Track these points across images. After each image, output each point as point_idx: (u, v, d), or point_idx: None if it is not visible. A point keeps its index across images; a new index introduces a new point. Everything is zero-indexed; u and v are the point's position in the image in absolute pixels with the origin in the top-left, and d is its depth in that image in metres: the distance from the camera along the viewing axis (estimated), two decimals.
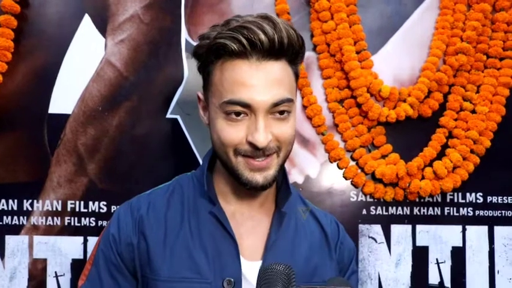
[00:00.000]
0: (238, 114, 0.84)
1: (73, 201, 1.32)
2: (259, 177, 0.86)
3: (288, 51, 0.85)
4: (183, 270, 0.89)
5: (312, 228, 1.00)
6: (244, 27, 0.82)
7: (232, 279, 0.88)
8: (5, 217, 1.31)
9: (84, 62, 1.33)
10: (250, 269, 0.90)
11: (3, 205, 1.31)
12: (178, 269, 0.89)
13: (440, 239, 1.42)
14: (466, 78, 1.43)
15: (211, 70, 0.88)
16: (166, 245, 0.91)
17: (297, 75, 0.91)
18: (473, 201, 1.44)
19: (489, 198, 1.44)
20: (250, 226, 0.95)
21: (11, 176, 1.31)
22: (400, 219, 1.42)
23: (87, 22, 1.34)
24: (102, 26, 1.34)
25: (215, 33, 0.85)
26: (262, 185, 0.87)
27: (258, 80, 0.83)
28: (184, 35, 1.37)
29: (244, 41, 0.81)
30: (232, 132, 0.85)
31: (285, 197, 0.95)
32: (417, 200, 1.42)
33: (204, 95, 0.93)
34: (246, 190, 0.90)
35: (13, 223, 1.31)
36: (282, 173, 0.97)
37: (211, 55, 0.86)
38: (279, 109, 0.84)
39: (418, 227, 1.42)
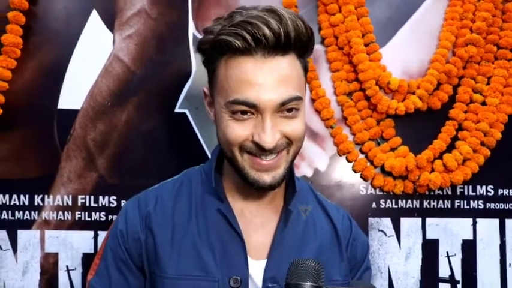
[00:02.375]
0: (244, 113, 0.81)
1: (83, 196, 1.34)
2: (266, 177, 0.84)
3: (295, 44, 0.81)
4: (190, 268, 0.88)
5: (322, 224, 0.98)
6: (248, 22, 0.78)
7: (239, 278, 0.87)
8: (16, 212, 1.32)
9: (93, 57, 1.34)
10: (256, 268, 0.89)
11: (14, 200, 1.32)
12: (185, 267, 0.88)
13: (450, 232, 1.41)
14: (476, 70, 1.41)
15: (216, 66, 0.85)
16: (174, 242, 0.90)
17: (306, 69, 0.88)
18: (484, 194, 1.43)
19: (500, 191, 1.43)
20: (258, 223, 0.94)
21: (22, 171, 1.33)
22: (410, 212, 1.41)
23: (95, 18, 1.34)
24: (110, 21, 1.35)
25: (218, 28, 0.81)
26: (270, 184, 0.84)
27: (264, 78, 0.79)
28: (191, 29, 1.37)
29: (248, 37, 0.78)
30: (238, 130, 0.82)
31: (292, 195, 0.94)
32: (427, 193, 1.41)
33: (210, 91, 0.90)
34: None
35: (25, 218, 1.32)
36: (289, 169, 0.95)
37: (215, 52, 0.83)
38: (287, 107, 0.81)
39: (428, 220, 1.41)
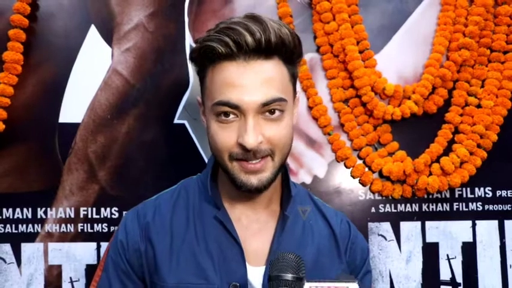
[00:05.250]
0: (227, 115, 0.83)
1: (85, 208, 1.35)
2: (253, 179, 0.85)
3: (278, 49, 0.83)
4: (190, 276, 0.89)
5: (320, 228, 0.99)
6: (229, 28, 0.81)
7: (238, 284, 0.88)
8: (20, 225, 1.34)
9: (92, 71, 1.36)
10: (255, 274, 0.90)
11: (18, 213, 1.34)
12: (185, 275, 0.89)
13: (450, 235, 1.42)
14: (470, 73, 1.43)
15: (205, 74, 0.88)
16: (173, 251, 0.91)
17: (293, 75, 0.89)
18: (482, 195, 1.44)
19: (498, 192, 1.44)
20: (256, 229, 0.95)
21: (25, 185, 1.35)
22: (409, 216, 1.42)
23: (93, 33, 1.37)
24: (108, 36, 1.37)
25: (205, 36, 0.85)
26: (257, 187, 0.86)
27: (246, 80, 0.82)
28: (188, 41, 1.39)
29: (230, 42, 0.81)
30: (224, 136, 0.84)
31: (287, 200, 0.95)
32: (425, 196, 1.42)
33: (202, 100, 0.93)
34: (247, 193, 0.90)
35: (28, 231, 1.34)
36: (285, 174, 0.97)
37: (203, 59, 0.86)
38: (269, 108, 0.83)
39: (428, 224, 1.42)
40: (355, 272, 1.02)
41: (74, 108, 1.36)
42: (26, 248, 1.34)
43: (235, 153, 0.84)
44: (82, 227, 1.35)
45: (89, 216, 1.35)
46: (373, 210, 1.42)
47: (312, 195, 1.07)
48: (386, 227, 1.41)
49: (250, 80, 0.82)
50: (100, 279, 0.96)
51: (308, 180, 1.41)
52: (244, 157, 0.84)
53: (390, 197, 1.42)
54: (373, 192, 1.42)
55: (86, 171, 1.35)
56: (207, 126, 0.89)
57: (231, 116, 0.83)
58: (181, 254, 0.91)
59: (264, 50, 0.82)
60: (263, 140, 0.83)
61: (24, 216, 1.34)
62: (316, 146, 1.43)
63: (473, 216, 1.43)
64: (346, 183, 1.42)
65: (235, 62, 0.83)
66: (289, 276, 0.70)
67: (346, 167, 1.42)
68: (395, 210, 1.42)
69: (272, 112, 0.84)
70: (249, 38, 0.81)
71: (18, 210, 1.34)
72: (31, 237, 1.34)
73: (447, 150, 1.42)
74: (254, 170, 0.85)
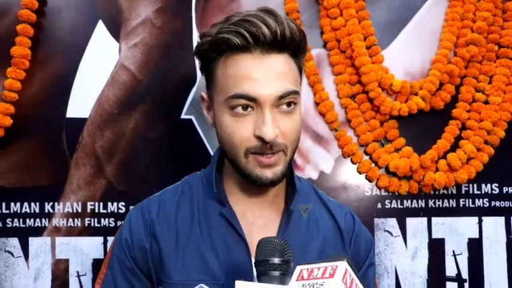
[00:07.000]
0: (245, 108, 0.82)
1: (92, 203, 1.36)
2: (268, 173, 0.85)
3: (290, 44, 0.84)
4: (196, 273, 0.89)
5: (325, 222, 0.99)
6: (246, 20, 0.81)
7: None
8: (27, 219, 1.35)
9: (99, 66, 1.36)
10: None
11: (25, 208, 1.35)
12: (191, 272, 0.89)
13: (456, 231, 1.42)
14: (477, 69, 1.42)
15: (214, 67, 0.87)
16: (178, 248, 0.91)
17: (300, 69, 0.90)
18: (489, 192, 1.43)
19: (505, 189, 1.44)
20: (261, 224, 0.94)
21: (33, 179, 1.35)
22: (416, 212, 1.42)
23: (101, 28, 1.37)
24: (116, 31, 1.37)
25: (216, 29, 0.84)
26: (272, 180, 0.86)
27: (263, 73, 0.82)
28: (195, 37, 1.39)
29: (246, 34, 0.80)
30: (240, 129, 0.83)
31: (292, 195, 0.95)
32: (432, 192, 1.42)
33: (208, 94, 0.92)
34: (255, 188, 0.90)
35: (36, 225, 1.35)
36: (289, 170, 0.96)
37: (213, 52, 0.85)
38: (285, 101, 0.83)
39: (434, 220, 1.42)
40: (360, 264, 1.02)
41: (81, 103, 1.36)
42: (33, 242, 1.35)
43: (252, 146, 0.84)
44: (89, 222, 1.36)
45: (96, 210, 1.36)
46: (379, 206, 1.42)
47: (316, 189, 1.07)
48: (392, 223, 1.42)
49: (266, 74, 0.82)
50: (105, 277, 0.96)
51: (315, 175, 1.41)
52: (261, 150, 0.84)
53: (396, 193, 1.42)
54: (380, 188, 1.42)
55: (93, 166, 1.36)
56: (218, 121, 0.87)
57: (248, 109, 0.83)
58: (187, 251, 0.91)
59: (278, 43, 0.83)
60: (279, 133, 0.83)
61: (32, 211, 1.35)
62: (322, 142, 1.43)
63: (480, 213, 1.43)
64: (353, 179, 1.42)
65: (251, 54, 0.82)
66: (276, 260, 0.71)
67: (353, 162, 1.42)
68: (402, 206, 1.42)
69: (288, 105, 0.84)
70: (266, 31, 0.81)
71: (25, 204, 1.35)
72: (38, 232, 1.35)
73: (454, 147, 1.41)
74: (269, 164, 0.85)
